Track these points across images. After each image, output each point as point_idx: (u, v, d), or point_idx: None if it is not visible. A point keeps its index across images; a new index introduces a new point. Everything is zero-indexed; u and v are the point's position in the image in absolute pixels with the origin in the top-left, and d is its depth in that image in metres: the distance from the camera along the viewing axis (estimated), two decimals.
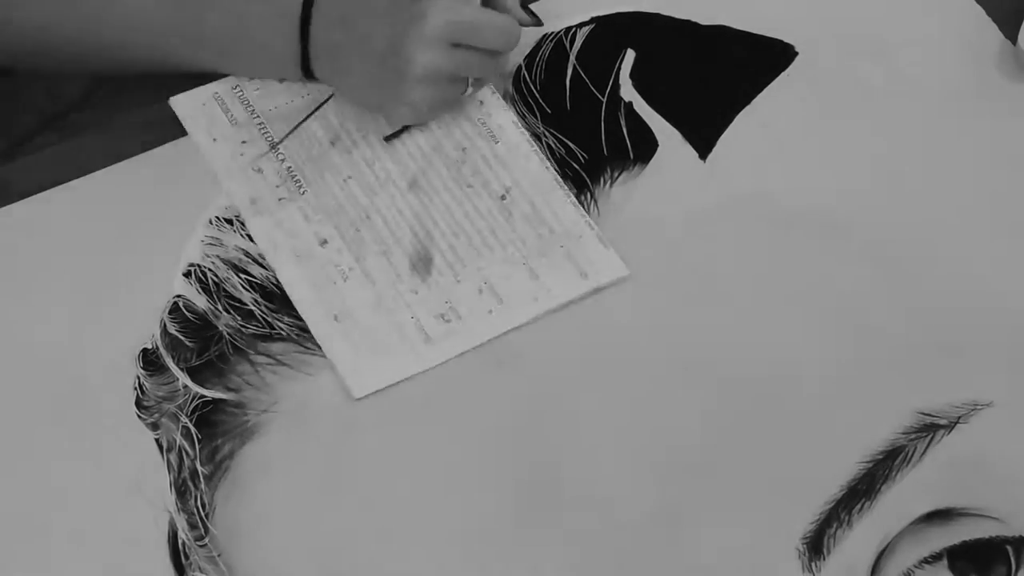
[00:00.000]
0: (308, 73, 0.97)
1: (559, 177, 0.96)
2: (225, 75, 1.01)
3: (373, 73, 0.94)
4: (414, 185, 0.96)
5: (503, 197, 0.96)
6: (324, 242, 0.95)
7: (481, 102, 1.00)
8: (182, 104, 1.01)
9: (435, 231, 0.95)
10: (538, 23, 1.00)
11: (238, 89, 1.01)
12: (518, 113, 1.00)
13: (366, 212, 0.96)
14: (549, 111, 0.99)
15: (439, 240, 0.94)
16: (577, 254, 0.93)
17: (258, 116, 1.00)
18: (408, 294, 0.93)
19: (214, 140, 1.00)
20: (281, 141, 0.99)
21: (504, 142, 0.98)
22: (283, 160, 0.98)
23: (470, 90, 0.96)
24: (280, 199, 0.97)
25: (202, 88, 1.02)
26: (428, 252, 0.94)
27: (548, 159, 0.97)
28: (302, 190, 0.97)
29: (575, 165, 0.97)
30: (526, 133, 0.99)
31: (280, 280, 0.93)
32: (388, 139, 0.98)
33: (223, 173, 0.98)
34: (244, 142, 0.99)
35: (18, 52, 1.01)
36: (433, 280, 0.93)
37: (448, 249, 0.94)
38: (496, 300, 0.92)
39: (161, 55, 0.99)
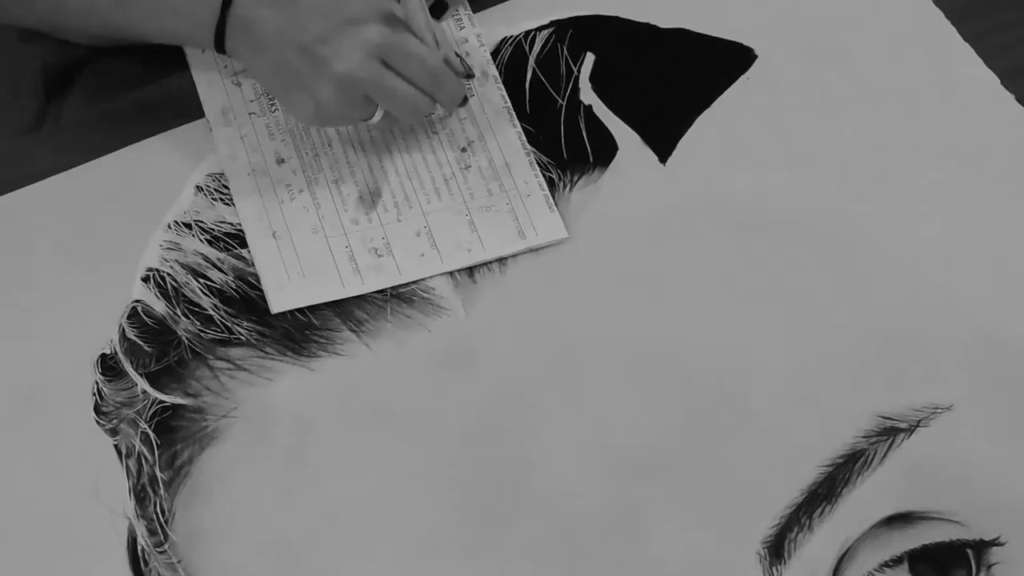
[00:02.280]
0: (220, 45, 0.94)
1: (523, 136, 0.97)
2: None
3: (288, 59, 0.91)
4: (383, 120, 0.96)
5: (464, 149, 0.97)
6: (281, 161, 0.97)
7: (467, 53, 1.01)
8: None
9: (390, 169, 0.97)
10: (469, 75, 0.97)
11: None
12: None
13: (330, 139, 0.98)
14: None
15: (392, 178, 0.96)
16: (521, 213, 0.94)
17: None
18: (349, 223, 0.95)
19: (202, 51, 1.02)
20: None
21: (479, 95, 0.99)
22: None
23: (376, 118, 0.93)
24: (251, 113, 0.99)
25: None
26: (378, 187, 0.96)
27: (515, 118, 0.98)
28: (274, 108, 0.99)
29: (535, 168, 0.96)
30: (502, 88, 1.00)
31: (230, 190, 0.95)
32: None
33: (202, 80, 1.01)
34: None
35: None
36: (376, 215, 0.95)
37: (399, 188, 0.96)
38: (430, 244, 0.93)
39: (97, 20, 0.99)
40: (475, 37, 1.02)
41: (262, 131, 0.99)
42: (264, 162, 0.97)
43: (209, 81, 1.01)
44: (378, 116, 0.93)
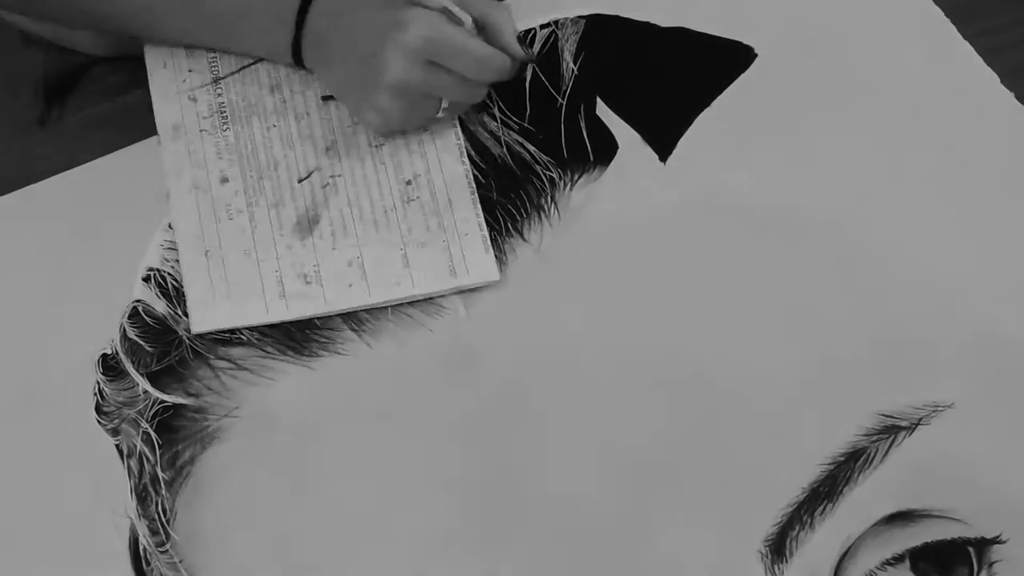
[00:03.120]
0: (298, 60, 0.97)
1: (471, 175, 0.97)
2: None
3: (352, 71, 0.93)
4: (331, 149, 0.97)
5: (409, 182, 0.97)
6: (225, 180, 0.97)
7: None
8: None
9: (332, 197, 0.96)
10: (531, 58, 0.98)
11: None
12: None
13: (276, 163, 0.97)
14: (508, 114, 0.99)
15: (332, 206, 0.95)
16: (455, 251, 0.94)
17: (214, 52, 1.02)
18: (283, 248, 0.94)
19: (164, 66, 1.02)
20: (225, 77, 1.01)
21: (432, 129, 0.99)
22: (219, 95, 1.00)
23: (443, 111, 0.95)
24: (202, 130, 0.99)
25: None
26: (318, 214, 0.95)
27: (465, 156, 0.97)
28: (225, 127, 0.99)
29: (536, 168, 0.96)
30: (456, 125, 0.99)
31: (171, 206, 0.95)
32: (325, 100, 0.99)
33: (158, 94, 1.01)
34: (191, 71, 1.01)
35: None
36: (311, 241, 0.94)
37: (338, 217, 0.95)
38: (360, 275, 0.93)
39: (160, 32, 1.00)
40: None
41: (210, 149, 0.98)
42: (208, 180, 0.97)
43: (165, 95, 1.00)
44: (444, 106, 0.95)
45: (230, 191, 0.96)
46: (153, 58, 1.02)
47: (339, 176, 0.97)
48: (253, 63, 1.01)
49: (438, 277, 0.92)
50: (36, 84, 1.12)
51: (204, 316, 0.91)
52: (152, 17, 0.98)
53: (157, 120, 0.99)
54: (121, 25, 1.00)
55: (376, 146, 0.98)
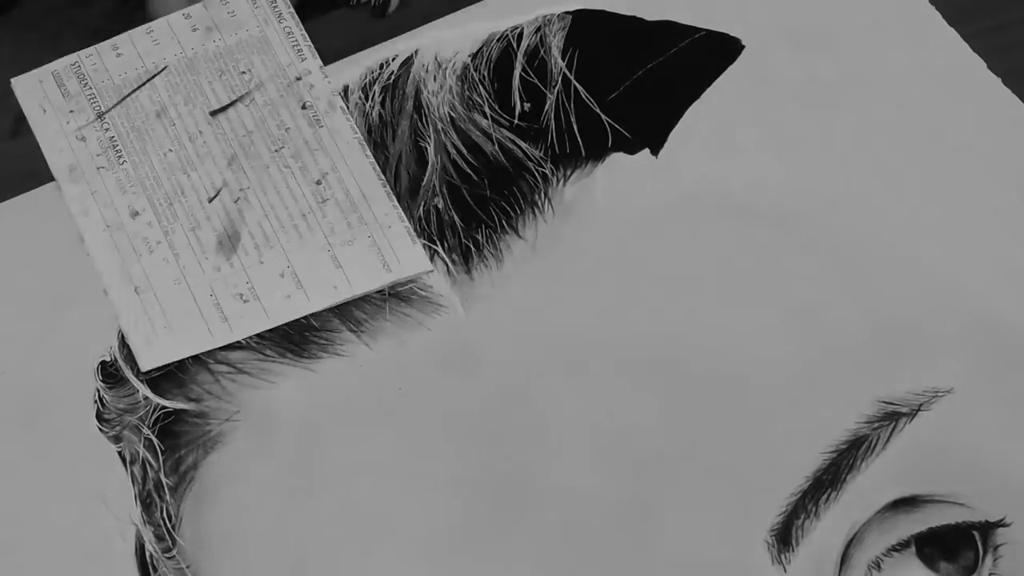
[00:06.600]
0: None
1: (378, 166, 0.97)
2: None
3: None
4: (233, 162, 0.96)
5: (318, 182, 0.96)
6: (136, 214, 0.96)
7: (312, 85, 1.00)
8: (22, 84, 1.02)
9: (247, 211, 0.95)
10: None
11: (76, 65, 1.02)
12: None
13: (182, 187, 0.97)
14: (499, 111, 0.99)
15: (249, 220, 0.95)
16: (383, 245, 0.94)
17: (90, 88, 1.01)
18: (211, 271, 0.93)
19: (44, 111, 1.00)
20: (108, 111, 0.99)
21: (328, 126, 0.98)
22: (107, 130, 0.99)
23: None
24: (99, 168, 0.98)
25: (42, 67, 1.02)
26: (236, 230, 0.94)
27: (368, 148, 0.98)
28: (122, 160, 0.98)
29: (528, 164, 0.97)
30: (351, 119, 0.99)
31: (87, 248, 0.94)
32: (213, 114, 0.99)
33: (46, 143, 0.99)
34: (72, 111, 1.00)
35: None
36: (237, 259, 0.94)
37: (257, 230, 0.95)
38: (295, 285, 0.92)
39: None
40: (318, 69, 1.02)
41: (112, 185, 0.97)
42: (118, 216, 0.96)
43: (52, 139, 0.99)
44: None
45: (143, 223, 0.95)
46: (30, 105, 1.01)
47: (247, 188, 0.96)
48: (132, 92, 1.00)
49: (373, 274, 0.93)
50: None
51: (150, 352, 0.90)
52: None
53: (51, 164, 0.98)
54: None
55: (275, 150, 0.97)
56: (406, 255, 0.93)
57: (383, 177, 0.96)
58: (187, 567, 0.84)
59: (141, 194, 0.96)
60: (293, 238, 0.94)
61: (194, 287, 0.93)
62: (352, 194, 0.95)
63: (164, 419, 0.88)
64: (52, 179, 0.98)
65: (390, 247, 0.93)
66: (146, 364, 0.90)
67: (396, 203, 0.95)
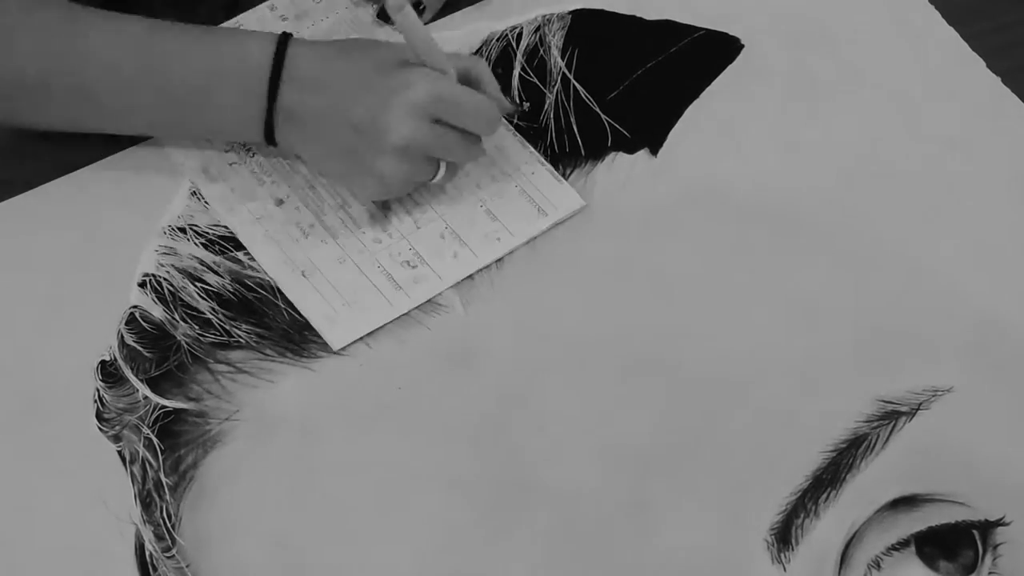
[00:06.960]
0: (270, 135, 0.92)
1: (505, 121, 0.97)
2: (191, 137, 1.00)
3: (345, 141, 0.90)
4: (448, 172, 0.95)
5: None
6: (280, 202, 0.96)
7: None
8: None
9: None
10: (520, 109, 0.98)
11: None
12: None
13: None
14: None
15: None
16: (532, 191, 0.94)
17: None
18: (372, 244, 0.94)
19: None
20: None
21: None
22: None
23: (441, 174, 0.92)
24: (231, 163, 0.98)
25: None
26: (386, 201, 0.95)
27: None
28: (251, 153, 0.98)
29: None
30: None
31: (243, 244, 0.94)
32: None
33: (171, 144, 0.99)
34: None
35: None
36: (394, 228, 0.94)
37: (405, 196, 0.95)
38: (459, 243, 0.93)
39: (129, 127, 0.97)
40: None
41: (249, 179, 0.97)
42: (264, 208, 0.96)
43: (179, 143, 0.99)
44: (442, 171, 0.92)
45: (291, 209, 0.95)
46: None
47: None
48: None
49: (531, 220, 0.94)
50: None
51: (337, 331, 0.90)
52: (120, 117, 0.95)
53: (185, 169, 0.98)
54: (92, 126, 0.96)
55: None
56: (556, 196, 0.94)
57: (511, 127, 0.97)
58: (186, 566, 0.84)
59: (280, 182, 0.97)
60: (442, 199, 0.95)
61: (360, 262, 0.93)
62: (487, 148, 0.95)
63: (164, 418, 0.88)
64: (52, 179, 0.99)
65: (539, 191, 0.94)
66: (337, 343, 0.90)
67: (532, 149, 0.96)
